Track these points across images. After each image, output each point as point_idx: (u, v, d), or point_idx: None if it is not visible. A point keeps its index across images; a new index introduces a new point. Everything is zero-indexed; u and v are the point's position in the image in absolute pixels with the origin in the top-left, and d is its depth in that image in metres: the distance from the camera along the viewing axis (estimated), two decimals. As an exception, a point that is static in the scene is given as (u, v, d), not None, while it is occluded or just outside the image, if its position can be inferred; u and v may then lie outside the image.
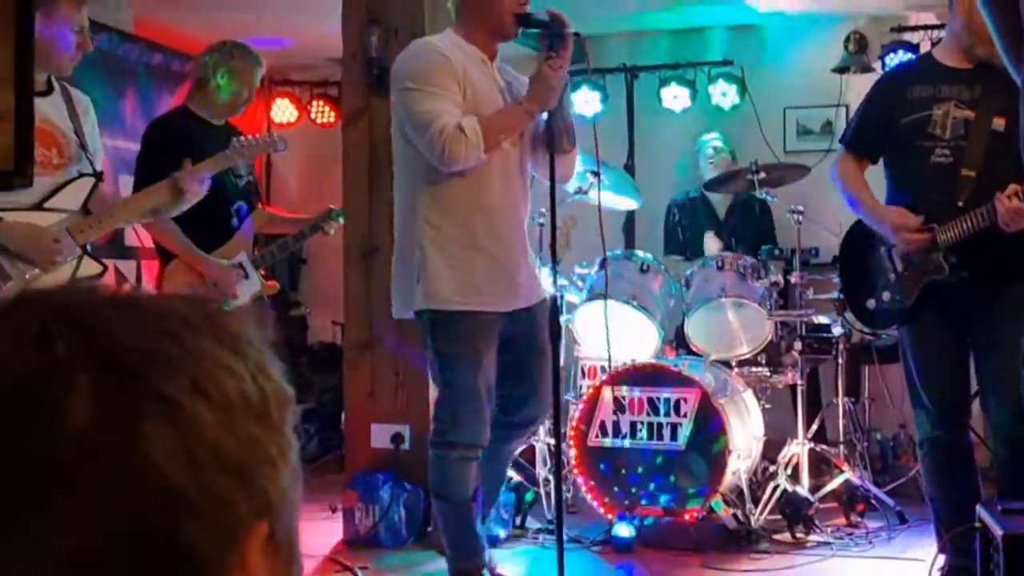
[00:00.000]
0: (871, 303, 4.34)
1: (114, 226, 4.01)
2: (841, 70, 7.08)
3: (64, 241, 3.67)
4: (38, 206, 3.67)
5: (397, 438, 5.59)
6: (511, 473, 5.62)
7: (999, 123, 4.03)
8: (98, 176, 3.91)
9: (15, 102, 2.09)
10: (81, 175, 3.80)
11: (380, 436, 5.64)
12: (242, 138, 4.48)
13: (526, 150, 4.17)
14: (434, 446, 4.17)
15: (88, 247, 3.81)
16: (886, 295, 4.27)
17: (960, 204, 4.04)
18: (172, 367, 0.75)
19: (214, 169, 4.23)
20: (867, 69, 6.92)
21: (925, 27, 6.91)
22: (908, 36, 6.92)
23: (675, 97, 7.43)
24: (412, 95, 3.87)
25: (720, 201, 6.83)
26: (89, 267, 3.78)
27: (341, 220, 5.38)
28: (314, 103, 8.31)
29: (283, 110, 8.40)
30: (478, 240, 3.99)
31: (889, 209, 4.22)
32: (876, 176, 4.41)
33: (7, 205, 3.54)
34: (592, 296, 5.57)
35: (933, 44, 6.20)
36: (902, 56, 6.57)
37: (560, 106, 4.01)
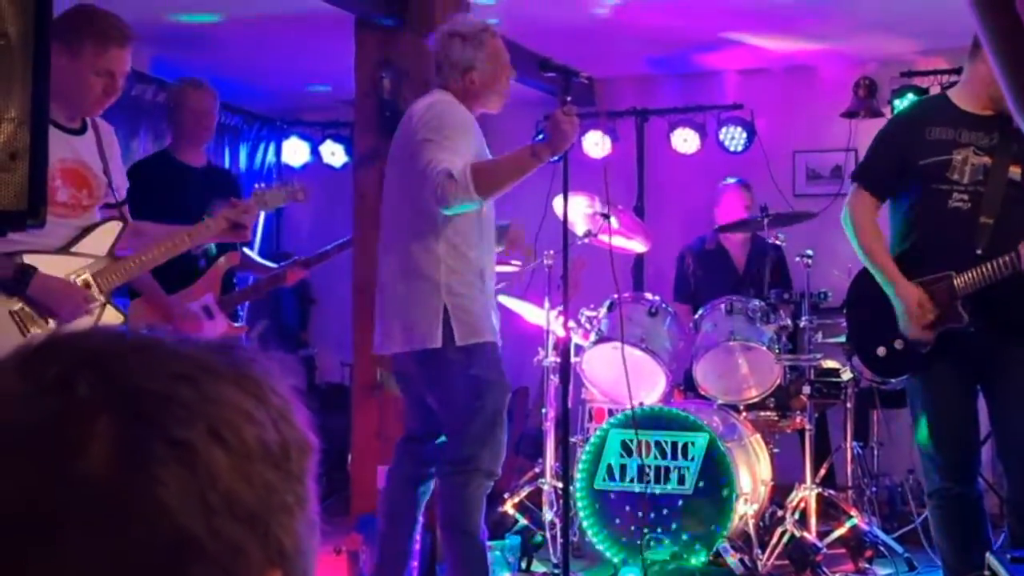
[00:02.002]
0: (882, 351, 4.24)
1: (141, 271, 3.96)
2: (851, 114, 7.10)
3: (92, 298, 3.62)
4: (65, 250, 3.63)
5: (404, 479, 5.56)
6: (517, 516, 5.62)
7: (1015, 171, 4.02)
8: (121, 205, 3.88)
9: (30, 142, 2.11)
10: (108, 219, 3.77)
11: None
12: (263, 185, 4.48)
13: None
14: (451, 474, 4.18)
15: (112, 296, 3.78)
16: (898, 343, 4.18)
17: (979, 252, 4.01)
18: (189, 412, 0.75)
19: (254, 211, 4.27)
20: (877, 113, 6.93)
21: (935, 72, 6.92)
22: (918, 80, 6.93)
23: (685, 140, 7.46)
24: (427, 146, 4.00)
25: (737, 251, 6.81)
26: (111, 317, 3.73)
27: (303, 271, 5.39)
28: (325, 144, 8.34)
29: (294, 150, 8.43)
30: (484, 283, 4.18)
31: (908, 288, 4.11)
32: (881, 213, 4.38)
33: (34, 247, 3.50)
34: (601, 339, 5.57)
35: (943, 88, 6.22)
36: (911, 100, 6.59)
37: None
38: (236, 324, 5.07)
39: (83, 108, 3.69)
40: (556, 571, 5.26)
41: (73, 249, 3.65)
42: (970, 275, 4.00)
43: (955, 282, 4.03)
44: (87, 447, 0.73)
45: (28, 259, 3.51)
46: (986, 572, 3.38)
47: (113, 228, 3.78)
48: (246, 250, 5.26)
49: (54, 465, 0.72)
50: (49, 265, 3.55)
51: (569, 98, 4.00)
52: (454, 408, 4.18)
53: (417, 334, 4.14)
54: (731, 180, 6.93)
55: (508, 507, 5.63)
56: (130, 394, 0.75)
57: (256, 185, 4.43)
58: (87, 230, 3.70)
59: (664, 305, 5.82)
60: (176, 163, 5.11)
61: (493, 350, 4.18)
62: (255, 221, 4.23)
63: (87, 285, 3.68)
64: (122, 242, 3.83)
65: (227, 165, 8.21)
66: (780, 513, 5.52)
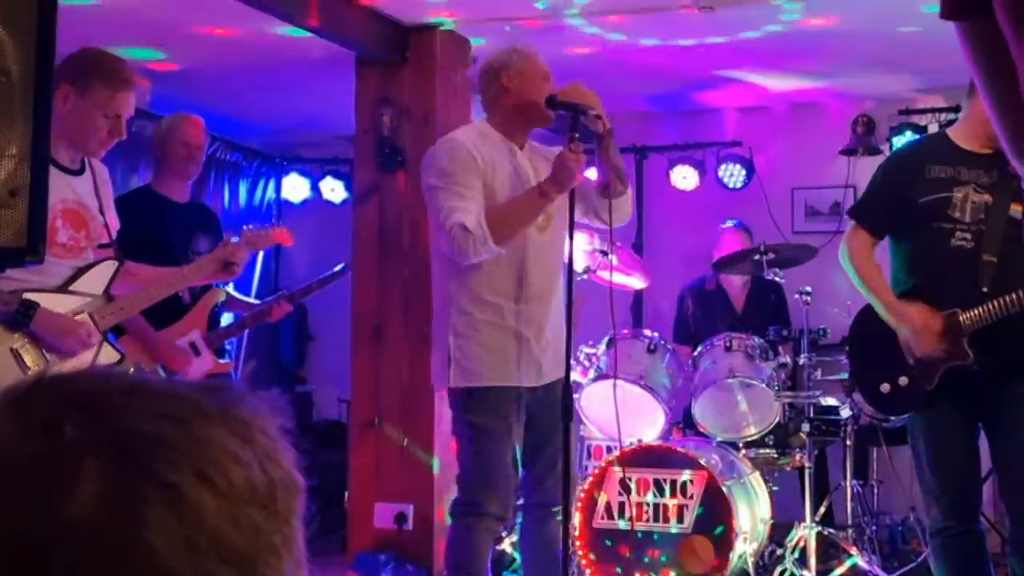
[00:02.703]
0: (885, 387, 4.21)
1: (136, 310, 3.98)
2: (849, 152, 7.12)
3: (92, 332, 3.65)
4: (63, 288, 3.64)
5: (400, 517, 5.55)
6: (515, 554, 5.58)
7: (1016, 210, 4.02)
8: (113, 244, 3.89)
9: (31, 179, 2.11)
10: (103, 259, 3.78)
11: (383, 515, 5.60)
12: (252, 227, 4.48)
13: (558, 229, 4.25)
14: (460, 516, 4.17)
15: (107, 334, 3.79)
16: (903, 380, 4.16)
17: (985, 290, 4.00)
18: (177, 454, 0.75)
19: (245, 251, 4.27)
20: (875, 151, 6.95)
21: (933, 110, 6.95)
22: (916, 118, 6.96)
23: (684, 177, 7.47)
24: (436, 193, 4.03)
25: (737, 292, 6.82)
26: (108, 355, 3.75)
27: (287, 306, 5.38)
28: (325, 180, 8.35)
29: (294, 187, 8.45)
30: (505, 321, 4.12)
31: (911, 309, 4.10)
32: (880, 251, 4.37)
33: (33, 286, 3.52)
34: (599, 376, 5.56)
35: (941, 126, 6.23)
36: (910, 138, 6.61)
37: (608, 155, 4.08)
38: (222, 360, 5.06)
39: (88, 149, 3.71)
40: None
41: (71, 288, 3.67)
42: (976, 312, 3.99)
43: (961, 319, 4.02)
44: (75, 489, 0.73)
45: (28, 297, 3.53)
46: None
47: (109, 268, 3.80)
48: (229, 288, 5.26)
49: (42, 507, 0.72)
50: (49, 303, 3.57)
51: (576, 135, 4.00)
52: (460, 451, 4.21)
53: (438, 373, 4.23)
54: (730, 223, 6.93)
55: (506, 545, 5.60)
56: (118, 436, 0.75)
57: (244, 227, 4.43)
58: (83, 270, 3.72)
59: (663, 342, 5.81)
60: (160, 199, 5.08)
61: (500, 395, 4.11)
62: (246, 261, 4.23)
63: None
64: (115, 283, 3.84)
65: (227, 202, 8.23)
66: (779, 552, 5.49)
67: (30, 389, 0.79)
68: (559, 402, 4.12)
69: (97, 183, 3.82)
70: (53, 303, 3.59)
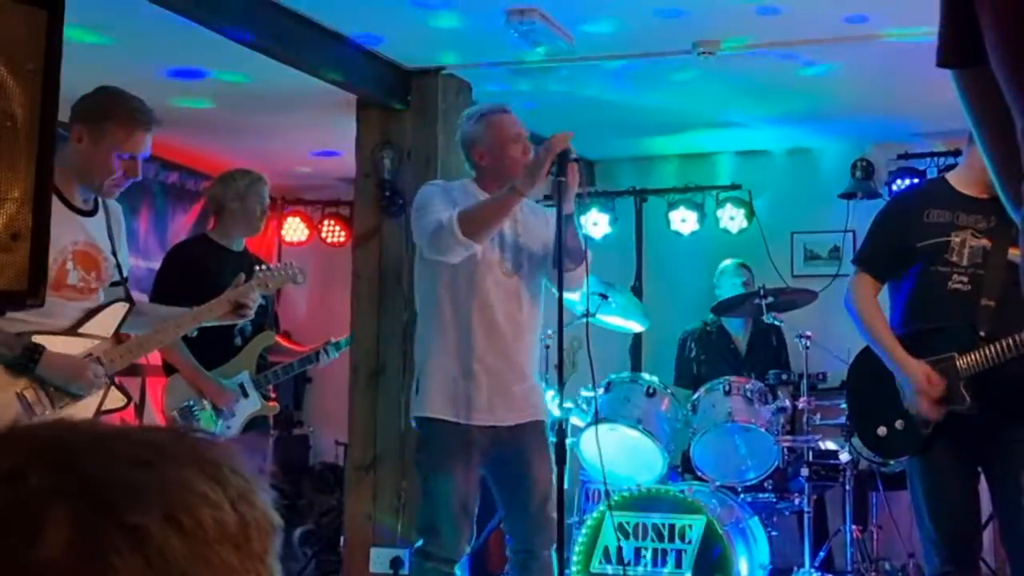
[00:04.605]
0: (882, 430, 4.20)
1: (146, 353, 3.94)
2: (848, 195, 7.14)
3: (100, 373, 3.60)
4: (72, 331, 3.61)
5: (396, 563, 5.52)
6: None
7: (1015, 254, 4.03)
8: (124, 281, 3.86)
9: (33, 223, 2.12)
10: (114, 301, 3.76)
11: (379, 560, 5.57)
12: (264, 267, 4.49)
13: (528, 277, 4.29)
14: (414, 555, 4.22)
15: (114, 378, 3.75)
16: (899, 423, 4.15)
17: (982, 334, 4.00)
18: (144, 497, 0.76)
19: (255, 293, 4.29)
20: (874, 195, 6.97)
21: (932, 154, 6.97)
22: (914, 163, 6.98)
23: (683, 220, 7.49)
24: (417, 218, 4.17)
25: (740, 335, 6.81)
26: (114, 399, 3.70)
27: (335, 354, 5.45)
28: (325, 222, 8.38)
29: (294, 229, 8.47)
30: (460, 360, 4.15)
31: (915, 365, 4.07)
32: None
33: (41, 328, 3.48)
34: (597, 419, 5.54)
35: (940, 171, 6.26)
36: (909, 182, 6.64)
37: (567, 226, 4.08)
38: (270, 401, 5.22)
39: (102, 190, 3.68)
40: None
41: (80, 330, 3.63)
42: (973, 357, 3.99)
43: (958, 363, 4.01)
44: (41, 536, 0.73)
45: (37, 340, 3.48)
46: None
47: (119, 310, 3.76)
48: (279, 338, 5.43)
49: (8, 556, 0.73)
50: (57, 346, 3.53)
51: (561, 178, 4.00)
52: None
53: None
54: (729, 261, 6.95)
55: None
56: (84, 482, 0.75)
57: (256, 268, 4.45)
58: (93, 312, 3.68)
59: (662, 385, 5.81)
60: (217, 247, 5.19)
61: (438, 430, 4.13)
62: (256, 302, 4.24)
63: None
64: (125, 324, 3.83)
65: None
66: (779, 597, 5.46)
67: None
68: (532, 446, 4.14)
69: (110, 223, 3.78)
70: (61, 346, 3.55)
